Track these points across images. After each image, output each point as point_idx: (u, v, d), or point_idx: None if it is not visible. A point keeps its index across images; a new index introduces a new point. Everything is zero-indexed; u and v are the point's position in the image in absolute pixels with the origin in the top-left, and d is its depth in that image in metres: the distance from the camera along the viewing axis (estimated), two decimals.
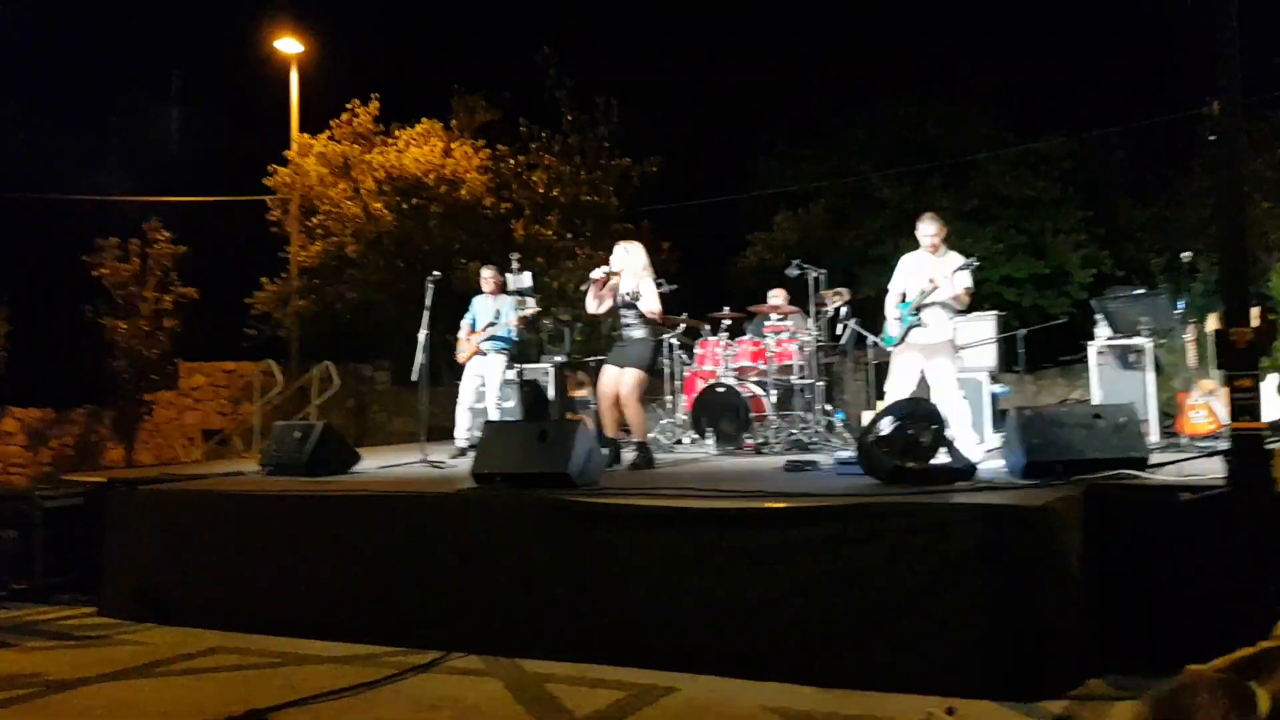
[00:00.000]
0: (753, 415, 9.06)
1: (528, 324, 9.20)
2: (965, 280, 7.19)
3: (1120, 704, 4.17)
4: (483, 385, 9.23)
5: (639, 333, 7.59)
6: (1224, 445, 3.64)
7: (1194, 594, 4.17)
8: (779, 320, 9.85)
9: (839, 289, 9.98)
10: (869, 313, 10.36)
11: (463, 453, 8.87)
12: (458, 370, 9.36)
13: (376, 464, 8.00)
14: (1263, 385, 3.99)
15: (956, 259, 7.30)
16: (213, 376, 17.62)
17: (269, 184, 18.05)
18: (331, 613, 5.69)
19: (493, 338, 9.17)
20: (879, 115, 21.17)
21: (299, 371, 16.65)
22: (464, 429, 9.17)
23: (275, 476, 7.26)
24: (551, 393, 10.61)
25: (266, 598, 5.93)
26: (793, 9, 23.98)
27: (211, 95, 21.16)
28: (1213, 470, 4.94)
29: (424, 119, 18.16)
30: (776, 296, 10.21)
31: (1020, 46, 21.06)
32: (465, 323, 9.36)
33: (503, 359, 9.24)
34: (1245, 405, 3.46)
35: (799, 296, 9.98)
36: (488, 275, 9.47)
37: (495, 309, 9.27)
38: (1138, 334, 8.24)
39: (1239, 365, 3.47)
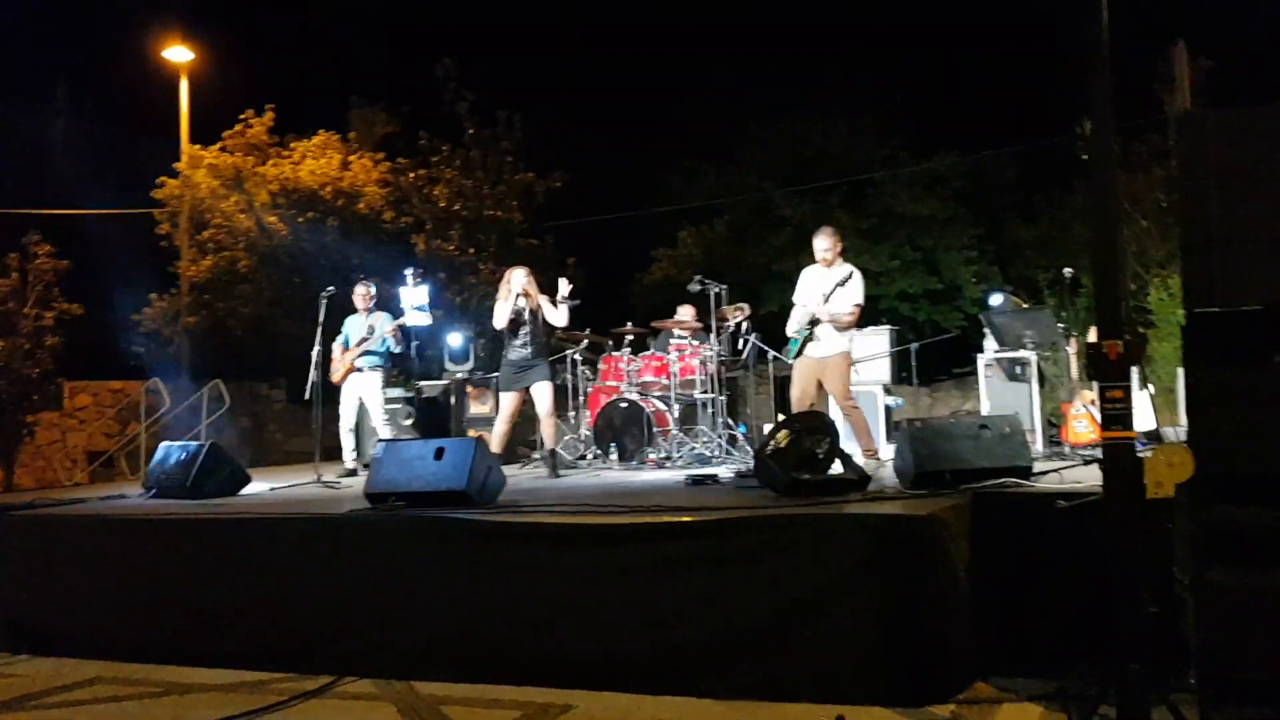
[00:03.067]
0: (656, 430, 9.10)
1: (399, 336, 9.10)
2: (850, 299, 7.32)
3: (1005, 706, 4.28)
4: (362, 404, 9.11)
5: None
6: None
7: (1073, 597, 4.31)
8: (681, 336, 9.92)
9: (740, 304, 10.09)
10: (770, 328, 10.51)
11: (353, 473, 8.74)
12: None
13: (268, 485, 7.82)
14: (1137, 396, 4.14)
15: (845, 270, 7.44)
16: (99, 396, 16.97)
17: (158, 196, 17.49)
18: (218, 639, 5.51)
19: (366, 353, 9.04)
20: (781, 134, 21.55)
21: (190, 390, 16.18)
22: (350, 450, 9.04)
23: (159, 499, 7.03)
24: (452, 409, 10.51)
25: (150, 625, 5.72)
26: (696, 27, 24.28)
27: (99, 105, 20.50)
28: (1093, 478, 5.11)
29: (321, 131, 17.84)
30: (685, 312, 10.27)
31: (916, 69, 21.68)
32: (338, 343, 9.13)
33: (379, 375, 9.09)
34: (1117, 415, 3.59)
35: (701, 312, 10.07)
36: (361, 292, 9.29)
37: (368, 325, 9.12)
38: (1023, 347, 8.50)
39: (1110, 377, 3.60)
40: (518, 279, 8.26)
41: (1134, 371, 3.79)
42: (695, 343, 9.80)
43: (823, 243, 7.50)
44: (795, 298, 7.72)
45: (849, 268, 7.55)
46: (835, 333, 7.34)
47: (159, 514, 6.27)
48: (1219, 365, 3.85)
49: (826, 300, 7.33)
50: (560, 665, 4.85)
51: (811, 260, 7.69)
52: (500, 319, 8.26)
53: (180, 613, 5.65)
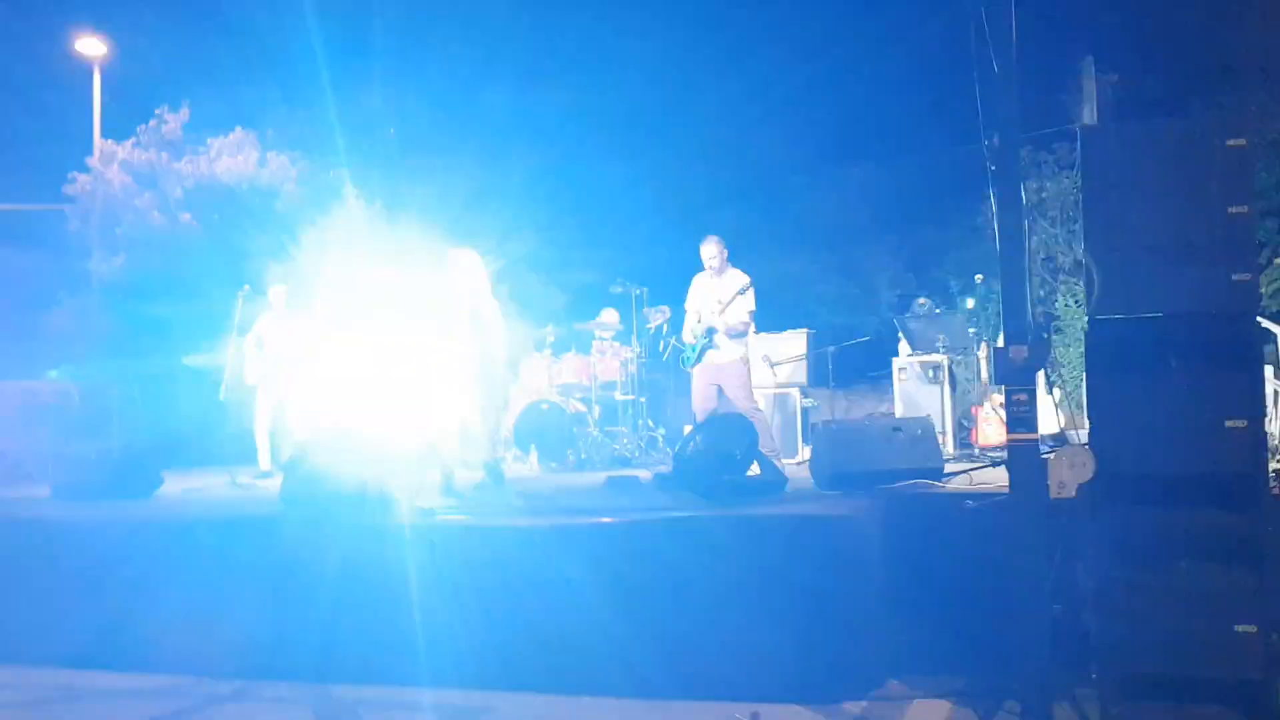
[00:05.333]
0: (576, 431, 9.10)
1: None
2: (746, 307, 7.37)
3: (916, 702, 4.39)
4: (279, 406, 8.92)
5: None
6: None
7: (981, 596, 4.42)
8: (603, 338, 9.94)
9: (661, 307, 10.12)
10: None
11: (268, 475, 8.54)
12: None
13: (180, 486, 7.64)
14: (1044, 399, 4.27)
15: (739, 278, 7.45)
16: (9, 396, 16.45)
17: (69, 192, 17.02)
18: (129, 642, 5.37)
19: None
20: (708, 139, 21.74)
21: (101, 389, 15.72)
22: (265, 452, 8.85)
23: (69, 501, 6.83)
24: None
25: (58, 629, 5.51)
26: (640, 33, 24.30)
27: (7, 96, 19.85)
28: (1001, 479, 5.26)
29: (238, 128, 17.47)
30: (608, 315, 10.27)
31: (835, 81, 22.05)
32: (250, 342, 8.84)
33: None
34: (1022, 417, 3.70)
35: (623, 314, 10.10)
36: (281, 291, 9.16)
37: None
38: (936, 350, 8.69)
39: (1016, 380, 3.72)
40: (464, 266, 7.06)
41: (1041, 376, 3.92)
42: (617, 344, 9.84)
43: (709, 250, 7.52)
44: (687, 305, 7.77)
45: (743, 275, 7.54)
46: (732, 339, 7.39)
47: (69, 516, 6.10)
48: (1120, 370, 3.99)
49: (724, 309, 7.36)
50: (483, 667, 4.84)
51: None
52: None
53: (89, 616, 5.51)
